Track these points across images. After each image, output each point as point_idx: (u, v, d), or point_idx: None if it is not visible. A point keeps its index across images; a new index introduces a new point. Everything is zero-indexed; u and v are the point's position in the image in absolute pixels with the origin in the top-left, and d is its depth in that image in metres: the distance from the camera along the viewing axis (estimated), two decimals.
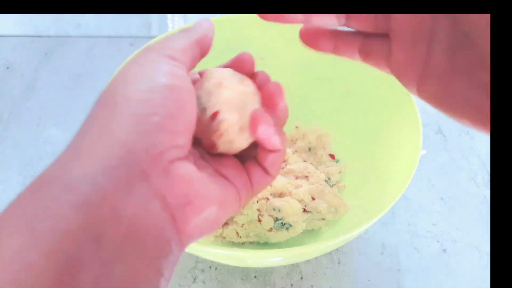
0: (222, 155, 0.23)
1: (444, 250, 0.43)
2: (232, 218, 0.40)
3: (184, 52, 0.20)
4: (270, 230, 0.38)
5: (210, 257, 0.34)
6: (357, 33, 0.23)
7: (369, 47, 0.22)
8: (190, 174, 0.18)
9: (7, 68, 0.62)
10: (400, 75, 0.21)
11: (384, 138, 0.42)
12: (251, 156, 0.23)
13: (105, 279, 0.14)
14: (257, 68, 0.24)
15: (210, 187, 0.19)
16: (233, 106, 0.21)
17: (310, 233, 0.41)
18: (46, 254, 0.13)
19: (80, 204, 0.15)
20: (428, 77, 0.20)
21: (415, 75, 0.20)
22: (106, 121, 0.17)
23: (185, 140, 0.18)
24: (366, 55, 0.23)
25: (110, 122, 0.17)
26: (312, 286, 0.40)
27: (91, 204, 0.15)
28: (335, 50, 0.24)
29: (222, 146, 0.22)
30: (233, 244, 0.40)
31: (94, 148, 0.16)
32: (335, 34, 0.23)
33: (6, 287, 0.13)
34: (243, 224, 0.39)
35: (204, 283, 0.40)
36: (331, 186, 0.42)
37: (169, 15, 0.65)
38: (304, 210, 0.40)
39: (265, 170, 0.23)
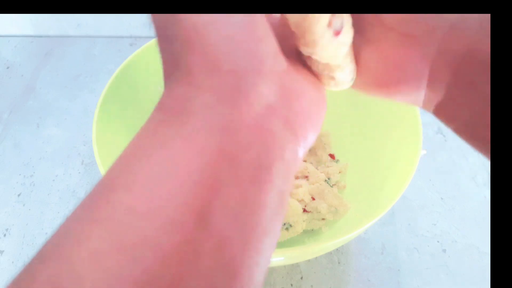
0: None
1: (444, 250, 0.43)
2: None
3: None
4: None
5: None
6: None
7: None
8: (302, 87, 0.17)
9: (7, 68, 0.62)
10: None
11: (384, 138, 0.42)
12: None
13: (244, 204, 0.14)
14: None
15: (320, 92, 0.18)
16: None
17: (310, 233, 0.41)
18: (187, 173, 0.13)
19: (208, 128, 0.14)
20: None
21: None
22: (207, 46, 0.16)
23: (275, 44, 0.17)
24: None
25: (208, 53, 0.15)
26: (312, 286, 0.40)
27: (219, 128, 0.14)
28: None
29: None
30: None
31: (208, 81, 0.15)
32: None
33: (146, 204, 0.13)
34: None
35: None
36: (331, 186, 0.42)
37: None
38: (304, 210, 0.40)
39: None
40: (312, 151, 0.47)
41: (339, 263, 0.42)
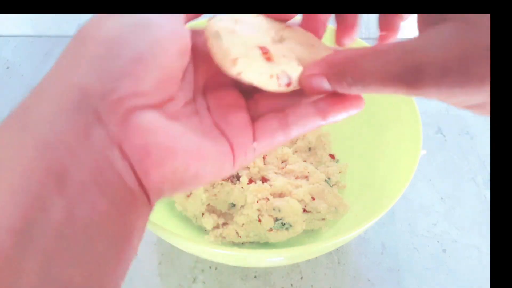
0: (231, 108, 0.21)
1: (444, 250, 0.43)
2: (232, 218, 0.40)
3: None
4: (270, 230, 0.38)
5: (210, 257, 0.34)
6: None
7: None
8: (152, 123, 0.17)
9: (7, 68, 0.62)
10: None
11: (384, 138, 0.42)
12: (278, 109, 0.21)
13: (70, 219, 0.14)
14: None
15: (182, 139, 0.18)
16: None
17: (310, 233, 0.41)
18: (10, 193, 0.13)
19: (40, 144, 0.14)
20: None
21: None
22: (68, 63, 0.16)
23: (154, 87, 0.17)
24: None
25: (71, 64, 0.16)
26: (312, 286, 0.40)
27: (51, 145, 0.14)
28: None
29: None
30: (233, 244, 0.40)
31: (52, 90, 0.16)
32: None
33: None
34: (243, 224, 0.39)
35: (204, 283, 0.40)
36: (331, 186, 0.42)
37: None
38: (304, 210, 0.40)
39: (284, 126, 0.21)
40: (312, 151, 0.47)
41: (339, 263, 0.42)
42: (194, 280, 0.40)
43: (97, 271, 0.15)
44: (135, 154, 0.16)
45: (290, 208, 0.38)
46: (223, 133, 0.20)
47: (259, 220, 0.38)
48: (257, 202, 0.39)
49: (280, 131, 0.20)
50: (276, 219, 0.39)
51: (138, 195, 0.17)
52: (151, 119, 0.17)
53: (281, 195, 0.40)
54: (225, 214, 0.41)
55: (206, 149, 0.19)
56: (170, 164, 0.17)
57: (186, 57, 0.19)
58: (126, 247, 0.16)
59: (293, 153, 0.45)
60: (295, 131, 0.20)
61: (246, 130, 0.20)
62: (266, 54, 0.20)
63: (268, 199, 0.39)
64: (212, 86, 0.21)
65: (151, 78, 0.17)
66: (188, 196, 0.40)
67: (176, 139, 0.17)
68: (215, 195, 0.40)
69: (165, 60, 0.17)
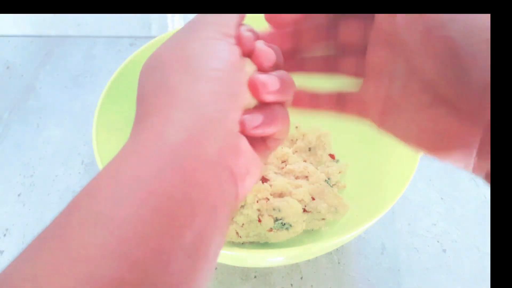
0: None
1: (444, 250, 0.43)
2: (232, 218, 0.40)
3: (236, 27, 0.22)
4: (270, 230, 0.38)
5: None
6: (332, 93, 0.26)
7: (344, 100, 0.26)
8: (248, 147, 0.20)
9: (7, 68, 0.62)
10: (365, 114, 0.26)
11: (384, 138, 0.42)
12: None
13: (199, 246, 0.16)
14: None
15: (256, 155, 0.21)
16: None
17: (310, 233, 0.41)
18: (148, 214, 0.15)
19: (179, 167, 0.16)
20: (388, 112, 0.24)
21: (377, 112, 0.25)
22: (167, 112, 0.18)
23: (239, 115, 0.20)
24: (341, 108, 0.27)
25: (171, 112, 0.18)
26: (312, 286, 0.40)
27: (186, 168, 0.17)
28: (315, 108, 0.27)
29: None
30: (233, 244, 0.40)
31: (185, 118, 0.18)
32: (314, 96, 0.27)
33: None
34: (243, 224, 0.39)
35: None
36: (331, 186, 0.42)
37: (169, 15, 0.65)
38: (304, 210, 0.40)
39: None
40: (312, 151, 0.47)
41: (339, 263, 0.42)
42: None
43: (203, 278, 0.17)
44: (240, 173, 0.20)
45: (290, 208, 0.38)
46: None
47: (259, 220, 0.38)
48: (257, 202, 0.39)
49: None
50: (276, 219, 0.39)
51: (234, 204, 0.20)
52: (246, 143, 0.20)
53: (281, 195, 0.40)
54: None
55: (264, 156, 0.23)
56: (258, 175, 0.21)
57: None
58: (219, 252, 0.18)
59: (293, 153, 0.45)
60: None
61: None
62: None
63: (268, 199, 0.39)
64: None
65: (241, 109, 0.20)
66: None
67: (256, 156, 0.21)
68: None
69: (244, 95, 0.21)
